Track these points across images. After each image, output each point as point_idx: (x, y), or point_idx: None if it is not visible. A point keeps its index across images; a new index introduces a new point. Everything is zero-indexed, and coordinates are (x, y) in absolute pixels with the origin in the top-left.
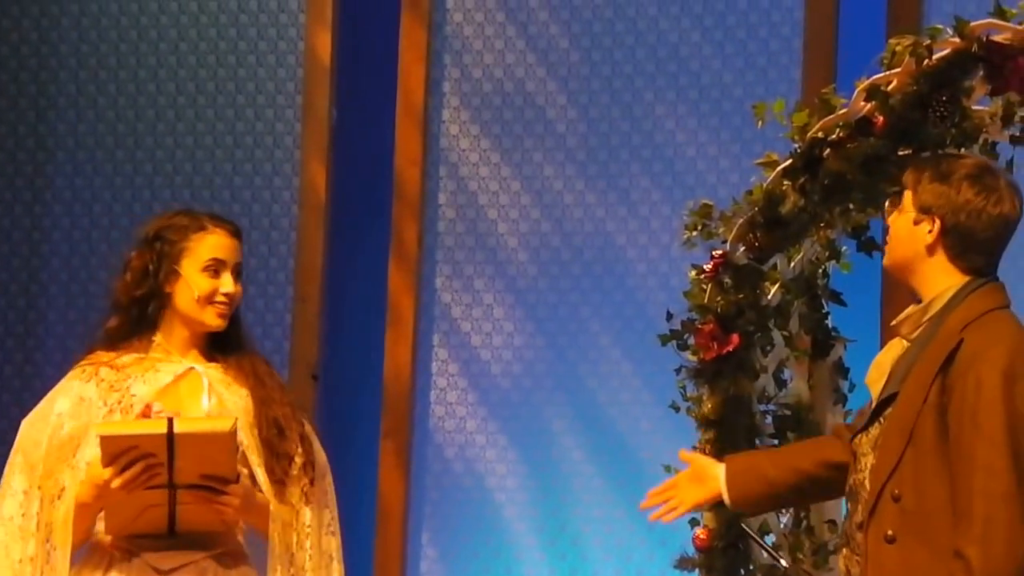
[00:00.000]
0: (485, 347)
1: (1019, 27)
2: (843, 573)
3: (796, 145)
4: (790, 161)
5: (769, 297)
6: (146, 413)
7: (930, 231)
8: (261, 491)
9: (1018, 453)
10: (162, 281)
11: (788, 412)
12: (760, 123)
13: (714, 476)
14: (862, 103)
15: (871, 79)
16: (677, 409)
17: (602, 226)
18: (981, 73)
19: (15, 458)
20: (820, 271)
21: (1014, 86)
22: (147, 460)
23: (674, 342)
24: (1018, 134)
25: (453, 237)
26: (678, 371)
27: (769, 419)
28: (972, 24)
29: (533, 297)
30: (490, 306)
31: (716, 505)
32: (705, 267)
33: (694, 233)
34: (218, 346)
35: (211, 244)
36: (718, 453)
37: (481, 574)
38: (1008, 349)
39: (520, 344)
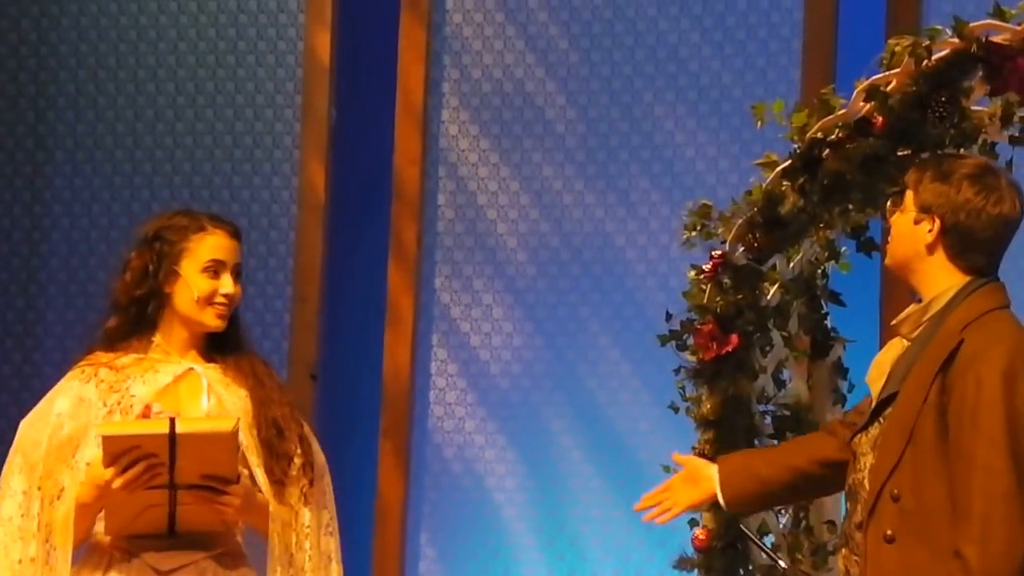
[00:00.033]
0: (484, 347)
1: (1018, 28)
2: (842, 573)
3: (795, 145)
4: (789, 161)
5: (768, 297)
6: (146, 414)
7: (930, 230)
8: (261, 491)
9: (1017, 453)
10: (161, 281)
11: (787, 412)
12: (759, 124)
13: (708, 477)
14: (861, 103)
15: (870, 79)
16: (676, 409)
17: (601, 226)
18: (980, 73)
19: (14, 458)
20: (819, 271)
21: (1013, 86)
22: (148, 460)
23: (673, 342)
24: (1017, 134)
25: (452, 237)
26: (677, 371)
27: (768, 419)
28: (971, 25)
29: (532, 297)
30: (489, 306)
31: (714, 506)
32: (704, 267)
33: (693, 233)
34: (217, 347)
35: (211, 245)
36: (717, 454)
37: (479, 574)
38: (1008, 349)
39: (519, 344)
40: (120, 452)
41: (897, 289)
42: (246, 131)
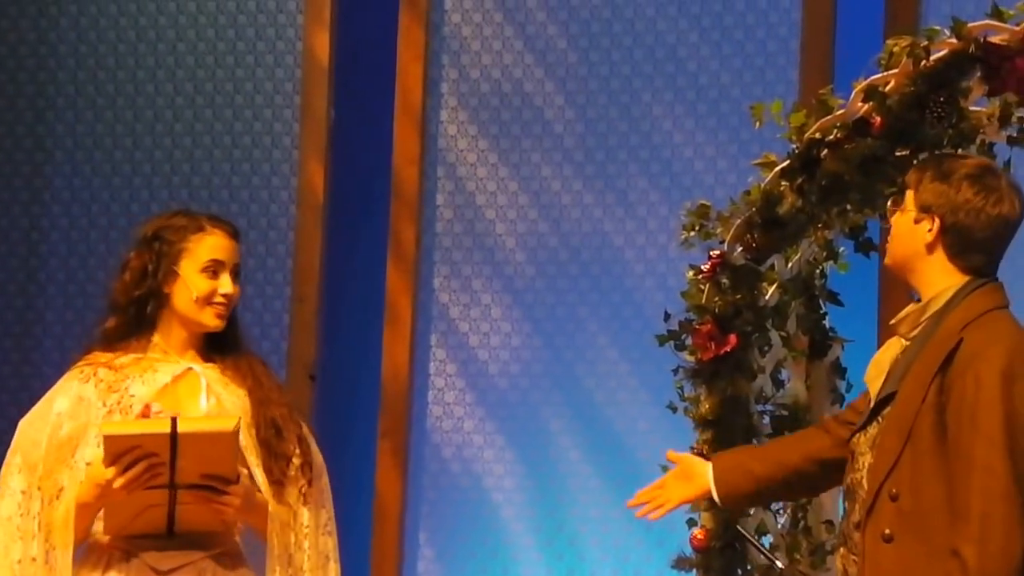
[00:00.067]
0: (483, 347)
1: (1016, 28)
2: (840, 572)
3: (794, 146)
4: (788, 162)
5: (767, 297)
6: (145, 413)
7: (930, 230)
8: (260, 491)
9: (1016, 452)
10: (160, 281)
11: (785, 412)
12: (758, 124)
13: (701, 474)
14: (860, 104)
15: (869, 80)
16: (674, 409)
17: (600, 226)
18: (978, 74)
19: (13, 458)
20: (818, 271)
21: (1011, 87)
22: (149, 460)
23: (672, 342)
24: (1015, 135)
25: (451, 237)
26: (676, 371)
27: (767, 419)
28: (969, 25)
29: (531, 297)
30: (488, 306)
31: (712, 505)
32: (703, 267)
33: (692, 233)
34: (215, 347)
35: (210, 245)
36: (715, 453)
37: (478, 574)
38: (1007, 349)
39: (518, 344)
40: (121, 452)
41: (895, 289)
42: (245, 131)
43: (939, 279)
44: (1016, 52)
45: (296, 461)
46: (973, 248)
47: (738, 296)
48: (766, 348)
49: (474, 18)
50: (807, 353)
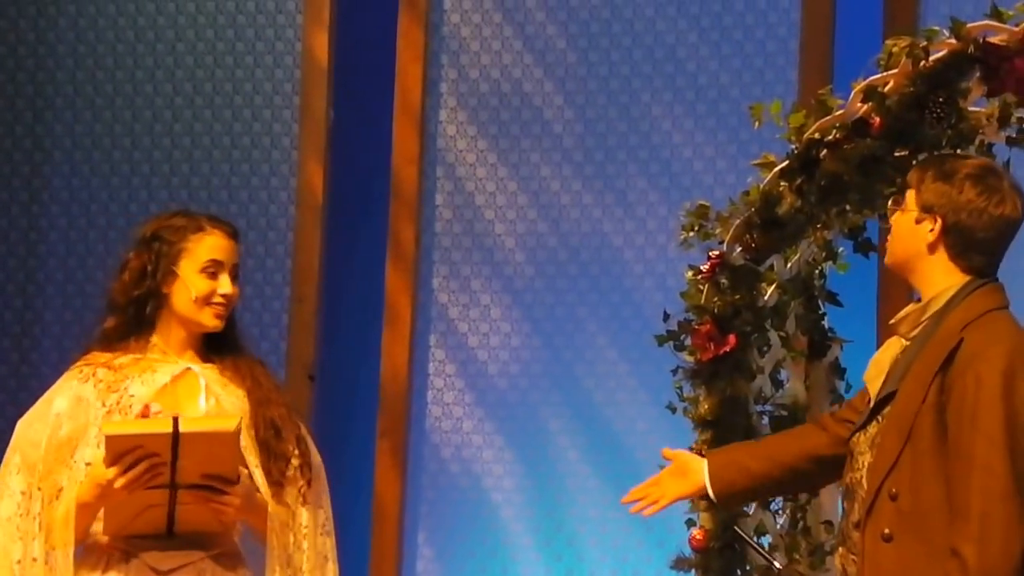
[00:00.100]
0: (482, 347)
1: (1015, 28)
2: (839, 572)
3: (793, 146)
4: (787, 162)
5: (766, 298)
6: (144, 413)
7: (931, 230)
8: (259, 492)
9: (1016, 452)
10: (160, 282)
11: (785, 413)
12: (757, 124)
13: (697, 470)
14: (859, 104)
15: (868, 80)
16: (674, 410)
17: (599, 227)
18: (977, 74)
19: (12, 458)
20: (817, 272)
21: (1010, 87)
22: (151, 460)
23: (671, 343)
24: (1014, 135)
25: (450, 237)
26: (675, 371)
27: (766, 420)
28: (968, 25)
29: (530, 297)
30: (487, 306)
31: (711, 506)
32: (702, 268)
33: (691, 234)
34: (213, 347)
35: (209, 245)
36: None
37: (477, 574)
38: (1008, 349)
39: (517, 344)
40: (123, 451)
41: (894, 289)
42: (244, 132)
43: (940, 279)
44: (1015, 52)
45: (295, 462)
46: (975, 248)
47: (737, 296)
48: (765, 348)
49: (473, 18)
50: (806, 353)
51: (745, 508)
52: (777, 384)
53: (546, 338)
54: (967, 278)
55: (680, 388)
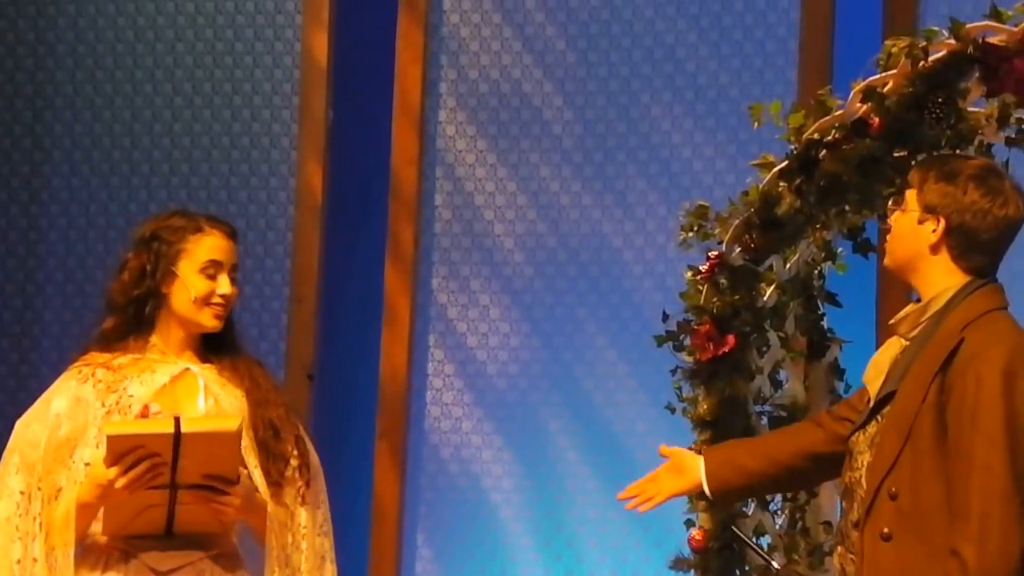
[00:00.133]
0: (481, 348)
1: (1014, 29)
2: (838, 571)
3: (792, 146)
4: (786, 162)
5: (765, 298)
6: (144, 414)
7: (934, 230)
8: (259, 492)
9: (1016, 452)
10: (159, 282)
11: (784, 413)
12: (756, 124)
13: (693, 467)
14: (858, 104)
15: (867, 80)
16: (673, 410)
17: (598, 227)
18: (977, 75)
19: (11, 458)
20: (816, 272)
21: (1009, 88)
22: (152, 460)
23: (670, 343)
24: (1014, 136)
25: (449, 238)
26: (674, 372)
27: (765, 420)
28: (968, 26)
29: (529, 298)
30: (486, 307)
31: (710, 506)
32: (701, 268)
33: (690, 234)
34: (212, 347)
35: (208, 246)
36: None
37: (476, 574)
38: (1008, 349)
39: (516, 345)
40: (124, 451)
41: (893, 289)
42: (243, 132)
43: (941, 279)
44: (1014, 53)
45: (294, 462)
46: (977, 249)
47: (736, 297)
48: (764, 349)
49: (472, 19)
50: (805, 354)
51: (744, 508)
52: (776, 384)
53: (545, 338)
54: (967, 278)
55: (679, 388)
